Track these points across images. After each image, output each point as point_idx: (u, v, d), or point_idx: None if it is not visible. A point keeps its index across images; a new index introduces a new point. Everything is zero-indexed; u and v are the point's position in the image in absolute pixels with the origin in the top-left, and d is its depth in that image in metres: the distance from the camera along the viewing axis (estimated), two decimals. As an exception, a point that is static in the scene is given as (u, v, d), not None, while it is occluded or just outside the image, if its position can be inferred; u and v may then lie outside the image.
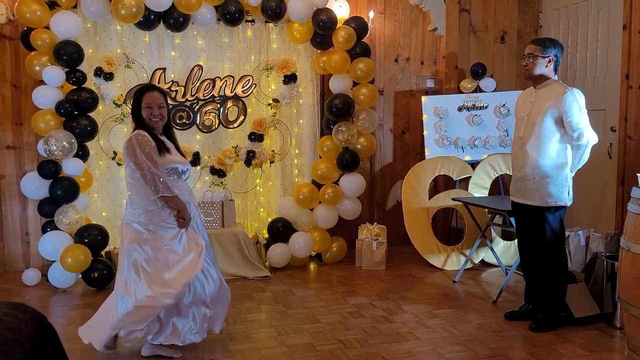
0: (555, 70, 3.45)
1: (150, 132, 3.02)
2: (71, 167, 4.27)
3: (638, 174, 3.11)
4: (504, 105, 5.10)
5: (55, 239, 4.25)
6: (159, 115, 3.03)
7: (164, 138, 3.12)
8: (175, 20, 4.46)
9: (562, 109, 3.27)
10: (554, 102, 3.31)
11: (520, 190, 3.49)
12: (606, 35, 4.73)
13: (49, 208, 4.32)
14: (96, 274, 4.28)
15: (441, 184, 5.34)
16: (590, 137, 3.33)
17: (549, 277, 3.47)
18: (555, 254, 3.45)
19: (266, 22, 4.90)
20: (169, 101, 4.76)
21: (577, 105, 3.28)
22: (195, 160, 4.85)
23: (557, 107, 3.29)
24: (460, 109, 5.13)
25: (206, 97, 4.85)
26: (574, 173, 3.45)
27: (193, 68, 4.80)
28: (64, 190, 4.23)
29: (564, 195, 3.38)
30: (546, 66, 3.39)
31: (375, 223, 5.02)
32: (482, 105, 5.14)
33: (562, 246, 3.50)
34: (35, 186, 4.33)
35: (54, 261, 4.27)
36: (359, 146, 4.94)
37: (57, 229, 4.28)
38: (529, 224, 3.52)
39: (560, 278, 3.49)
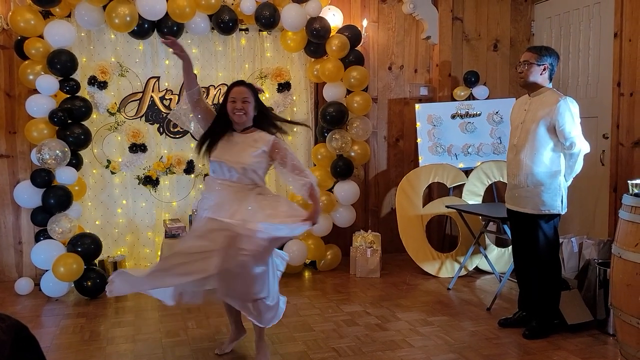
0: (551, 78, 3.47)
1: (227, 129, 3.03)
2: (64, 175, 4.26)
3: (629, 181, 3.13)
4: (497, 112, 5.12)
5: (48, 247, 4.23)
6: (242, 109, 2.97)
7: (236, 136, 3.03)
8: (169, 29, 4.47)
9: (555, 117, 3.29)
10: (547, 110, 3.33)
11: (515, 198, 3.51)
12: (597, 43, 4.77)
13: (42, 217, 4.30)
14: (89, 283, 4.26)
15: (435, 191, 5.35)
16: (582, 146, 3.34)
17: (542, 284, 3.48)
18: (548, 262, 3.46)
19: (260, 30, 4.92)
20: (161, 109, 4.77)
21: (569, 114, 3.30)
22: (190, 168, 4.85)
23: (550, 116, 3.31)
24: (453, 117, 5.15)
25: (200, 106, 4.86)
26: (569, 182, 3.46)
27: (187, 76, 4.80)
28: (57, 199, 4.21)
29: (557, 203, 3.39)
30: (541, 74, 3.41)
31: (370, 230, 5.03)
32: (475, 112, 5.16)
33: (556, 254, 3.50)
34: (28, 195, 4.32)
35: (46, 270, 4.26)
36: (353, 154, 4.95)
37: (50, 237, 4.27)
38: (523, 231, 3.53)
39: (554, 285, 3.49)
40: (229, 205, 2.91)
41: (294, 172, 3.00)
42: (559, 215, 3.45)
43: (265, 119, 3.09)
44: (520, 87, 3.68)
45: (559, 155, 3.39)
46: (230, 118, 3.01)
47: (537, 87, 3.45)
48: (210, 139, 3.04)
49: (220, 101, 4.84)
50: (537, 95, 3.45)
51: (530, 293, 3.57)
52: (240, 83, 3.07)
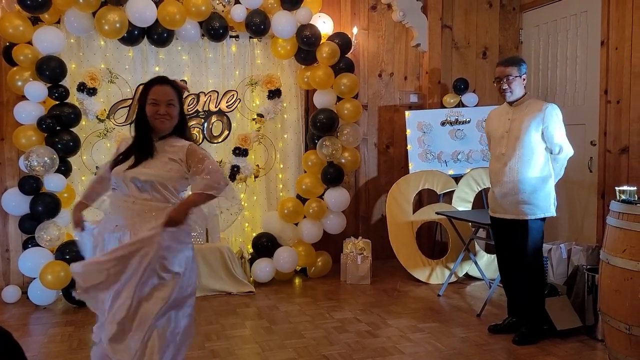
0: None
1: (148, 136, 2.49)
2: (53, 182, 4.23)
3: (617, 188, 3.16)
4: (486, 119, 5.14)
5: (35, 255, 4.19)
6: (166, 115, 2.46)
7: (164, 144, 2.51)
8: (160, 36, 4.47)
9: (545, 122, 3.36)
10: (535, 116, 3.38)
11: (506, 206, 3.50)
12: (585, 51, 4.83)
13: (30, 224, 4.26)
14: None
15: (425, 198, 5.37)
16: (569, 151, 3.45)
17: (531, 288, 3.50)
18: (536, 266, 3.49)
19: (250, 37, 4.93)
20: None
21: (557, 119, 3.40)
22: (180, 175, 4.83)
23: (539, 122, 3.37)
24: (443, 124, 5.18)
25: (190, 112, 4.85)
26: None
27: (177, 83, 4.79)
28: (45, 206, 4.18)
29: (551, 206, 3.47)
30: (522, 84, 3.49)
31: (360, 237, 5.03)
32: (464, 119, 5.20)
33: (542, 257, 3.56)
34: (16, 202, 4.28)
35: (34, 278, 4.21)
36: (343, 161, 4.96)
37: (38, 245, 4.22)
38: (511, 237, 3.55)
39: (541, 289, 3.53)
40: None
41: (203, 174, 2.48)
42: (544, 220, 3.51)
43: (185, 124, 2.62)
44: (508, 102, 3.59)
45: (548, 159, 3.46)
46: (149, 123, 2.49)
47: (521, 95, 3.51)
48: (136, 152, 2.49)
49: (199, 109, 4.84)
50: (520, 103, 3.50)
51: (518, 299, 3.59)
52: (163, 81, 2.53)
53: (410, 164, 5.15)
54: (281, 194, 5.18)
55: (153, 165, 2.46)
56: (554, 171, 3.48)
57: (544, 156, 3.44)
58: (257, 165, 5.05)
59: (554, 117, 3.37)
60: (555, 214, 3.50)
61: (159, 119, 2.46)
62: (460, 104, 5.37)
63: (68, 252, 4.22)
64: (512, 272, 3.60)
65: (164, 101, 2.46)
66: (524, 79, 3.47)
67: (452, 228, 4.69)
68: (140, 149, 2.49)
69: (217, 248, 4.57)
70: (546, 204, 3.44)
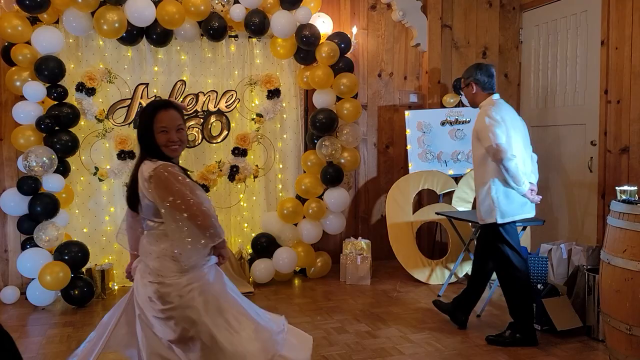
0: (489, 87, 3.50)
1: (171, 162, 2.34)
2: (51, 183, 4.22)
3: (617, 187, 3.15)
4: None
5: (34, 256, 4.18)
6: (178, 141, 2.31)
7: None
8: (158, 36, 4.46)
9: (477, 128, 3.41)
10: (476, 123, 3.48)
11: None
12: (585, 51, 4.82)
13: (28, 225, 4.25)
14: (76, 292, 4.21)
15: (425, 198, 5.36)
16: (498, 156, 3.26)
17: (506, 292, 3.53)
18: (499, 268, 3.53)
19: (249, 37, 4.92)
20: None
21: (483, 124, 3.34)
22: (179, 175, 4.82)
23: (475, 128, 3.45)
24: (443, 124, 5.17)
25: (189, 112, 4.84)
26: (522, 188, 3.35)
27: (176, 83, 4.79)
28: (44, 207, 4.17)
29: (494, 214, 3.40)
30: (474, 92, 3.54)
31: (360, 237, 5.02)
32: (464, 119, 5.19)
33: (507, 261, 3.46)
34: (14, 202, 4.27)
35: (32, 279, 4.20)
36: (342, 161, 4.95)
37: (37, 245, 4.21)
38: (480, 239, 3.70)
39: (515, 292, 3.48)
40: None
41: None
42: (498, 224, 3.42)
43: None
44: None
45: (490, 165, 3.37)
46: (160, 151, 2.31)
47: (478, 101, 3.55)
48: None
49: (198, 109, 4.79)
50: (480, 109, 3.54)
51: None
52: (168, 105, 2.35)
53: (410, 164, 5.14)
54: (280, 194, 5.17)
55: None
56: (506, 176, 3.32)
57: (487, 163, 3.38)
58: (257, 166, 5.04)
59: (480, 123, 3.36)
60: (498, 222, 3.40)
61: (171, 146, 2.30)
62: (460, 104, 5.35)
63: (67, 252, 4.21)
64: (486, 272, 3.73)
65: (174, 127, 2.31)
66: (471, 86, 3.51)
67: (452, 228, 4.68)
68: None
69: (217, 248, 4.56)
70: (489, 211, 3.41)
